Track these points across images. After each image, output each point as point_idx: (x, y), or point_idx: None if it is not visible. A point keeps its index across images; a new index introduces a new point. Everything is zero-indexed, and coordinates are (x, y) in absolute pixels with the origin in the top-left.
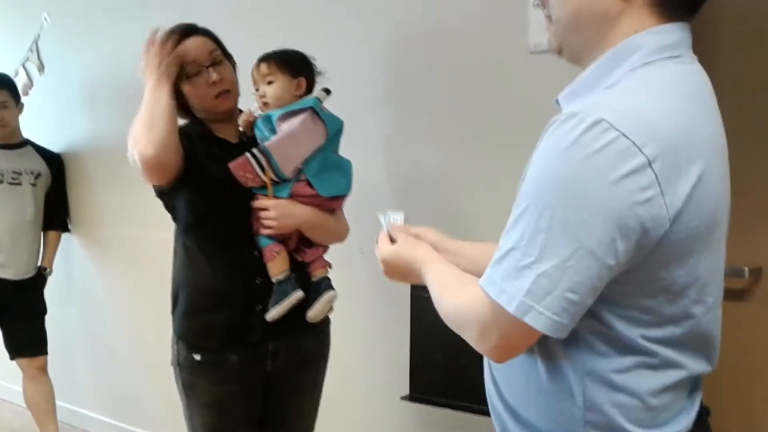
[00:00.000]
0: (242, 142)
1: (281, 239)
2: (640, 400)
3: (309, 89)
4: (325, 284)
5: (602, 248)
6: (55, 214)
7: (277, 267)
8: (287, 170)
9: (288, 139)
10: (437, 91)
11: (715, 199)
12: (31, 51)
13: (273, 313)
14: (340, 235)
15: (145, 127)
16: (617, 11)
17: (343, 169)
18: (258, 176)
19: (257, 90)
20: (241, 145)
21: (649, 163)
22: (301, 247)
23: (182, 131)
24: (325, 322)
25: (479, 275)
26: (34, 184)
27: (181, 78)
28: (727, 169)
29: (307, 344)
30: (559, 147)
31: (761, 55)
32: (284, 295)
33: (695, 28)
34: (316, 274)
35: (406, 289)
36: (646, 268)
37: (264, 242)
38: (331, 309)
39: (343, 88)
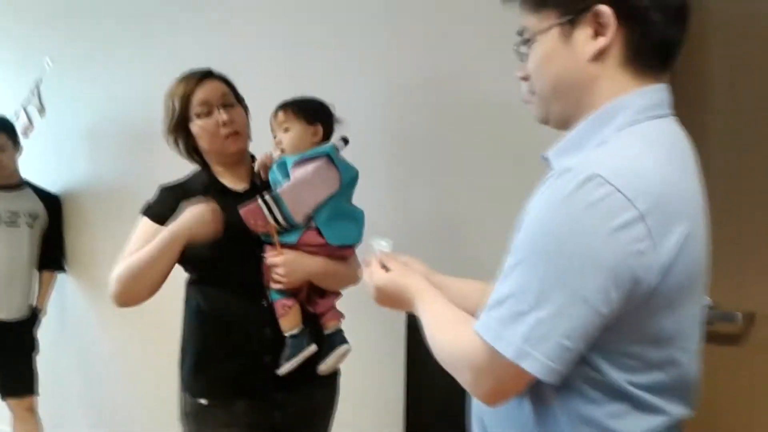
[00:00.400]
0: (252, 188)
1: (292, 292)
2: None
3: (326, 136)
4: (340, 338)
5: (596, 297)
6: (51, 254)
7: (290, 322)
8: (298, 216)
9: (300, 185)
10: (436, 135)
11: (700, 252)
12: (33, 94)
13: (286, 367)
14: (353, 280)
15: (135, 276)
16: (594, 75)
17: (355, 218)
18: (268, 222)
19: (275, 137)
20: (249, 192)
21: (642, 217)
22: (313, 297)
23: (186, 188)
24: (334, 374)
25: (462, 308)
26: (31, 226)
27: (190, 118)
28: (706, 224)
29: (316, 397)
30: (556, 200)
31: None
32: (299, 349)
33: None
34: (330, 326)
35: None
36: (637, 317)
37: (275, 296)
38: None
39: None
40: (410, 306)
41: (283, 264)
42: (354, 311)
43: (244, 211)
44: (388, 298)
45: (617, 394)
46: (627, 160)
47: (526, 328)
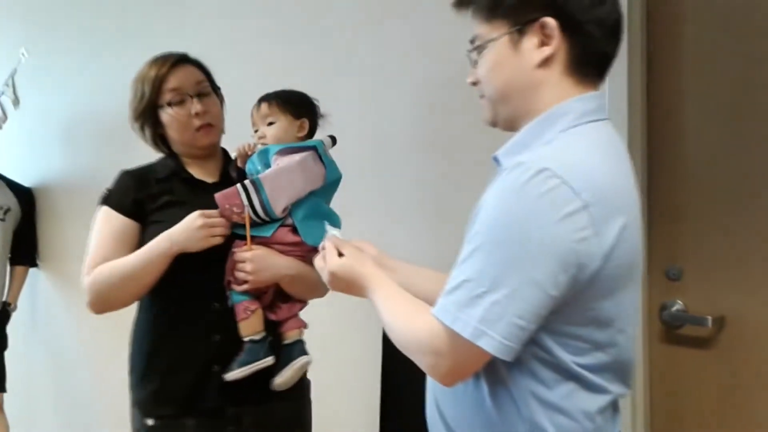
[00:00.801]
0: (222, 181)
1: (256, 295)
2: (577, 422)
3: (311, 133)
4: (299, 349)
5: (546, 280)
6: (23, 249)
7: (252, 327)
8: (277, 207)
9: (284, 173)
10: (423, 133)
11: (636, 242)
12: (7, 85)
13: (235, 374)
14: (323, 290)
15: (116, 286)
16: (539, 81)
17: (333, 221)
18: (243, 209)
19: (256, 131)
20: (219, 185)
21: (586, 207)
22: (276, 301)
23: (149, 174)
24: (304, 386)
25: (410, 292)
26: (3, 219)
27: (160, 105)
28: (640, 218)
29: (278, 412)
30: (509, 191)
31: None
32: (254, 357)
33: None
34: (290, 336)
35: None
36: (582, 300)
37: (237, 298)
38: (304, 375)
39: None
40: (364, 293)
41: (252, 260)
42: (331, 319)
43: (220, 195)
44: (342, 283)
45: (566, 374)
46: (574, 156)
47: (482, 310)
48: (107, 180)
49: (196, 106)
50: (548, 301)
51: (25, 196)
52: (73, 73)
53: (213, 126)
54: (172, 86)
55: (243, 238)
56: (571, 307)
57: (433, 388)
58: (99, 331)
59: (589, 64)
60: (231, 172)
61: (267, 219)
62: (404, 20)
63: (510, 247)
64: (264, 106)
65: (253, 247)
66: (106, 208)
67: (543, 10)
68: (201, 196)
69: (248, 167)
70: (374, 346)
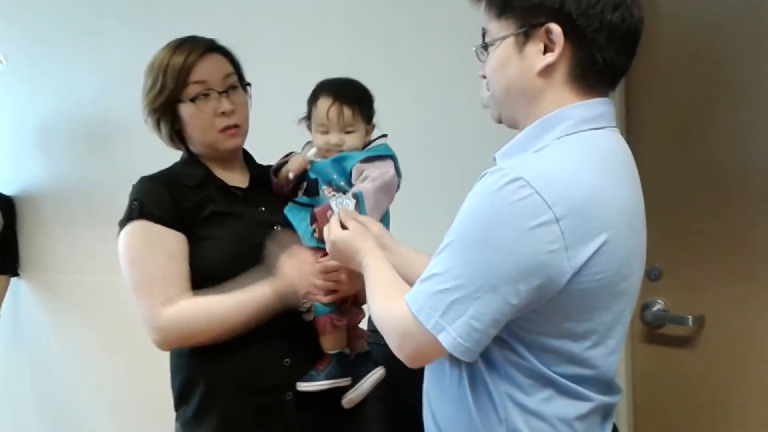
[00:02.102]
0: (253, 185)
1: (338, 305)
2: (555, 428)
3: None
4: (372, 360)
5: (506, 287)
6: (4, 258)
7: (339, 341)
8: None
9: (384, 187)
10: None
11: (622, 257)
12: None
13: (316, 385)
14: None
15: (202, 330)
16: (540, 88)
17: (386, 223)
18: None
19: (325, 133)
20: (251, 189)
21: (557, 220)
22: (351, 308)
23: (175, 181)
24: (371, 400)
25: (406, 275)
26: None
27: (181, 98)
28: (638, 228)
29: None
30: (484, 194)
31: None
32: (341, 372)
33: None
34: (357, 347)
35: None
36: (553, 312)
37: (322, 310)
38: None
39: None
40: (358, 267)
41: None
42: None
43: (318, 210)
44: (341, 255)
45: (543, 381)
46: (555, 167)
47: (444, 306)
48: (88, 187)
49: (223, 104)
50: (507, 308)
51: (6, 205)
52: (51, 79)
53: (239, 128)
54: (199, 78)
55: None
56: (544, 318)
57: (427, 391)
58: (81, 340)
59: (594, 74)
60: (255, 176)
61: None
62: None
63: (476, 250)
64: (347, 112)
65: None
66: (144, 223)
67: (549, 15)
68: (240, 204)
69: (318, 175)
70: None
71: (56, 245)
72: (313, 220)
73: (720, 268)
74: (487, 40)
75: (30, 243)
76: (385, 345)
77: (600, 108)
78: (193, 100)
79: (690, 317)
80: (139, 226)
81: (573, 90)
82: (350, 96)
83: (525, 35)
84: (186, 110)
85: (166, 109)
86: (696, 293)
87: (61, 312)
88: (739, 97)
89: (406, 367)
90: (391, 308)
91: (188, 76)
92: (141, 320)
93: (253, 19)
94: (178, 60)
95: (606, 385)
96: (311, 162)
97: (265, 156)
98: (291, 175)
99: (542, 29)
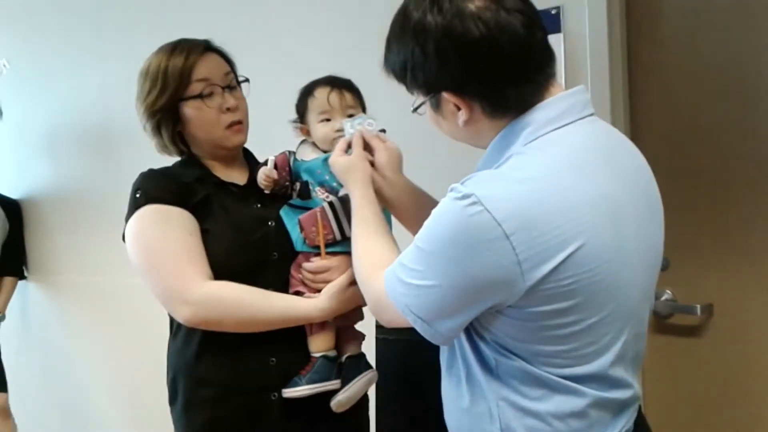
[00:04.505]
0: (252, 182)
1: None
2: (548, 424)
3: None
4: (363, 362)
5: (465, 295)
6: (11, 261)
7: (326, 342)
8: None
9: None
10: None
11: (602, 256)
12: None
13: (299, 391)
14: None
15: (234, 317)
16: (474, 132)
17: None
18: (330, 232)
19: (328, 121)
20: (250, 186)
21: (507, 236)
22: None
23: (174, 178)
24: (364, 404)
25: (397, 208)
26: None
27: (184, 98)
28: (629, 217)
29: None
30: (444, 210)
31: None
32: (326, 376)
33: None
34: (350, 348)
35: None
36: (527, 319)
37: None
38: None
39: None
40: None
41: (338, 267)
42: None
43: (305, 217)
44: (340, 177)
45: (536, 381)
46: (510, 183)
47: (407, 293)
48: (93, 189)
49: (228, 99)
50: (469, 310)
51: (13, 209)
52: (55, 82)
53: (242, 123)
54: (202, 76)
55: (313, 252)
56: (523, 324)
57: (442, 392)
58: (90, 340)
59: (515, 98)
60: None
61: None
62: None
63: (436, 260)
64: (348, 96)
65: (329, 257)
66: (153, 207)
67: (439, 86)
68: (236, 200)
69: (310, 176)
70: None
71: (62, 247)
72: (301, 227)
73: (727, 257)
74: (414, 103)
75: (36, 246)
76: (395, 341)
77: (562, 104)
78: (197, 97)
79: (698, 306)
80: (148, 210)
81: (507, 118)
82: (346, 82)
83: (435, 101)
84: (190, 108)
85: (167, 110)
86: (704, 282)
87: (68, 313)
88: (748, 86)
89: (424, 361)
90: (373, 277)
91: (191, 75)
92: (162, 298)
93: (253, 23)
94: (178, 60)
95: (605, 381)
96: (301, 162)
97: (262, 154)
98: (266, 192)
99: (442, 96)
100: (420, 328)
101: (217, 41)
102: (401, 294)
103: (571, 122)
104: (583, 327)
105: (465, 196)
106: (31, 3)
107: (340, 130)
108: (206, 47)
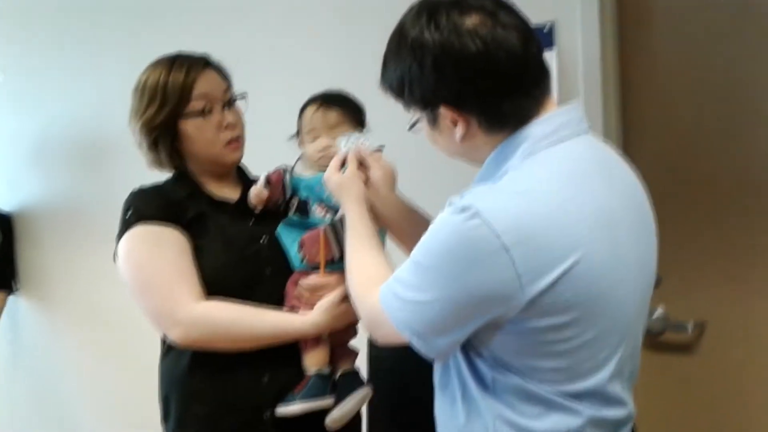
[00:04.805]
0: (243, 198)
1: None
2: None
3: None
4: (357, 379)
5: (463, 310)
6: (2, 274)
7: (320, 359)
8: None
9: None
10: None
11: (599, 271)
12: None
13: (293, 408)
14: None
15: (229, 335)
16: (470, 147)
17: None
18: (331, 253)
19: (313, 140)
20: (243, 203)
21: (506, 249)
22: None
23: (165, 194)
24: (356, 421)
25: (391, 226)
26: None
27: (183, 114)
28: (625, 233)
29: None
30: (442, 223)
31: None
32: (320, 392)
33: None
34: (344, 365)
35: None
36: (524, 334)
37: None
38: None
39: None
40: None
41: (336, 284)
42: None
43: (308, 237)
44: (333, 193)
45: (533, 398)
46: (508, 196)
47: (403, 308)
48: (85, 204)
49: (228, 117)
50: (466, 325)
51: (4, 222)
52: (47, 94)
53: (240, 140)
54: (203, 93)
55: (310, 271)
56: (520, 338)
57: (436, 407)
58: (82, 356)
59: (511, 113)
60: (245, 189)
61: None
62: None
63: (434, 275)
64: (333, 113)
65: (326, 274)
66: (143, 227)
67: (437, 100)
68: (228, 216)
69: (309, 192)
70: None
71: (54, 261)
72: (302, 246)
73: (719, 273)
74: (411, 121)
75: (27, 259)
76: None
77: (558, 119)
78: (200, 113)
79: (690, 323)
80: (139, 230)
81: (504, 133)
82: (334, 99)
83: (432, 116)
84: (190, 125)
85: (166, 126)
86: (696, 298)
87: (59, 328)
88: (739, 103)
89: (416, 377)
90: (365, 295)
91: (191, 91)
92: (153, 318)
93: (250, 35)
94: (178, 76)
95: (601, 397)
96: (300, 178)
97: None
98: (257, 210)
99: (439, 111)
100: (416, 344)
101: (214, 54)
102: (397, 309)
103: (567, 137)
104: (580, 342)
105: (464, 210)
106: (26, 16)
107: (324, 149)
108: (206, 63)
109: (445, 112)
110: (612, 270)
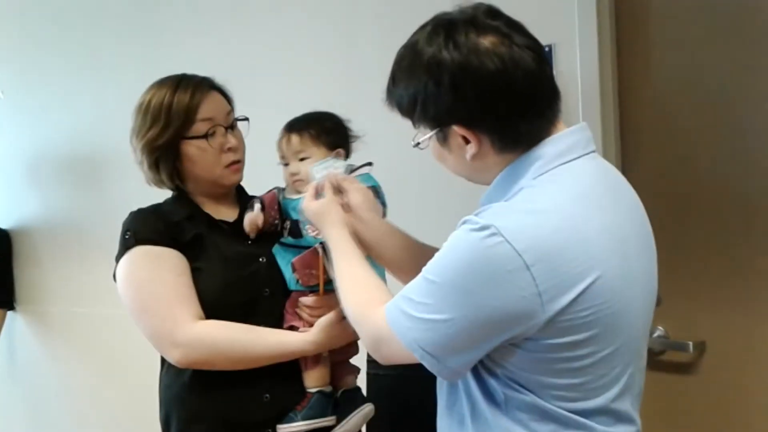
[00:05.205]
0: (241, 219)
1: None
2: None
3: (346, 158)
4: (360, 396)
5: (479, 330)
6: (0, 292)
7: (322, 377)
8: None
9: None
10: None
11: (614, 289)
12: None
13: (294, 427)
14: None
15: (226, 356)
16: (481, 166)
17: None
18: (324, 273)
19: (286, 165)
20: (239, 223)
21: (527, 267)
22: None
23: (163, 215)
24: None
25: (375, 250)
26: None
27: (186, 136)
28: (635, 254)
29: None
30: (459, 241)
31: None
32: (321, 412)
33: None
34: (346, 383)
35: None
36: (541, 350)
37: None
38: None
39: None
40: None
41: (336, 303)
42: None
43: (299, 261)
44: (313, 221)
45: (546, 416)
46: (526, 214)
47: (414, 327)
48: (83, 221)
49: (230, 139)
50: (482, 344)
51: (2, 239)
52: (44, 112)
53: (241, 162)
54: (207, 115)
55: (309, 292)
56: (536, 356)
57: (439, 427)
58: (79, 373)
59: (525, 132)
60: (244, 209)
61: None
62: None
63: (452, 294)
64: (295, 140)
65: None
66: (142, 248)
67: (450, 119)
68: (226, 237)
69: (300, 214)
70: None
71: (51, 278)
72: (294, 269)
73: (720, 293)
74: (417, 139)
75: (25, 276)
76: (387, 376)
77: (569, 139)
78: (204, 136)
79: (691, 343)
80: (138, 252)
81: (515, 153)
82: (300, 124)
83: (442, 134)
84: (193, 147)
85: (168, 147)
86: (696, 319)
87: (57, 345)
88: (739, 123)
89: (416, 395)
90: (369, 312)
91: (196, 114)
92: (153, 340)
93: (250, 50)
94: (183, 97)
95: (612, 415)
96: (290, 200)
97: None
98: (252, 236)
99: (451, 129)
100: (428, 364)
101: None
102: (407, 329)
103: (577, 157)
104: (596, 359)
105: (483, 228)
106: (24, 34)
107: (293, 175)
108: (211, 85)
109: (457, 131)
110: (626, 286)
